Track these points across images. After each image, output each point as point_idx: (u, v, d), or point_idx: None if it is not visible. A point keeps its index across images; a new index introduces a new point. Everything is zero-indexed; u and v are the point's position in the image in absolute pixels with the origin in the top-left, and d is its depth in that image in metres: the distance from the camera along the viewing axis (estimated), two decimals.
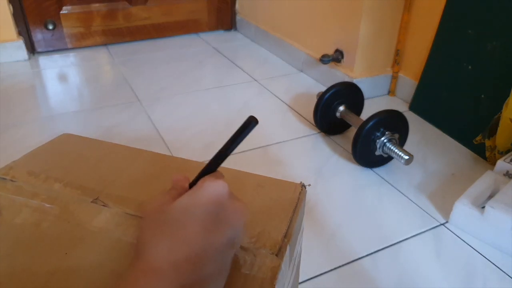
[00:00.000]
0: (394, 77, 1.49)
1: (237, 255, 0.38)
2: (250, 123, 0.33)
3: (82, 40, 1.90)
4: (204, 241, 0.31)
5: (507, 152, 1.05)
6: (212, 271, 0.32)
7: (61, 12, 1.80)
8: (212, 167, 0.36)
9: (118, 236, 0.40)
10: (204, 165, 0.36)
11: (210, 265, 0.31)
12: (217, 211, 0.33)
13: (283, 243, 0.40)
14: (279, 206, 0.45)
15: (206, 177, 0.35)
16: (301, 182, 0.49)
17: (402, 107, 1.44)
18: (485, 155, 1.14)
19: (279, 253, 0.39)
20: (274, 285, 0.35)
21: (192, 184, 0.36)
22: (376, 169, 1.11)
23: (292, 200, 0.46)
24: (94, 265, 0.37)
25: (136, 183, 0.48)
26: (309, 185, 0.52)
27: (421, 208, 0.97)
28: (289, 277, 0.43)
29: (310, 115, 1.27)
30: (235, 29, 2.21)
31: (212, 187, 0.33)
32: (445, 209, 0.96)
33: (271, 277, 0.36)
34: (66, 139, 0.59)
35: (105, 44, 1.96)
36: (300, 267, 0.80)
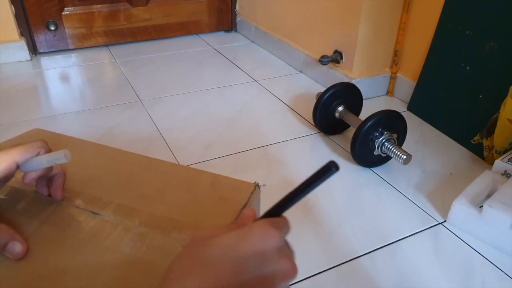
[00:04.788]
0: (393, 78, 1.50)
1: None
2: (330, 169, 0.29)
3: (84, 41, 1.91)
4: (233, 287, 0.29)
5: (505, 151, 1.06)
6: None
7: (63, 13, 1.81)
8: (276, 210, 0.33)
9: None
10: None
11: None
12: (259, 264, 0.30)
13: None
14: (228, 205, 0.45)
15: (263, 221, 0.32)
16: (255, 182, 0.48)
17: (400, 107, 1.45)
18: (483, 154, 1.14)
19: None
20: None
21: None
22: (375, 169, 1.11)
23: (242, 200, 0.45)
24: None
25: (92, 178, 0.49)
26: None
27: (420, 207, 0.98)
28: None
29: (309, 115, 1.27)
30: (235, 30, 2.22)
31: (262, 237, 0.30)
32: (444, 208, 0.97)
33: None
34: (35, 133, 0.59)
35: (106, 44, 1.97)
36: (299, 265, 0.81)
